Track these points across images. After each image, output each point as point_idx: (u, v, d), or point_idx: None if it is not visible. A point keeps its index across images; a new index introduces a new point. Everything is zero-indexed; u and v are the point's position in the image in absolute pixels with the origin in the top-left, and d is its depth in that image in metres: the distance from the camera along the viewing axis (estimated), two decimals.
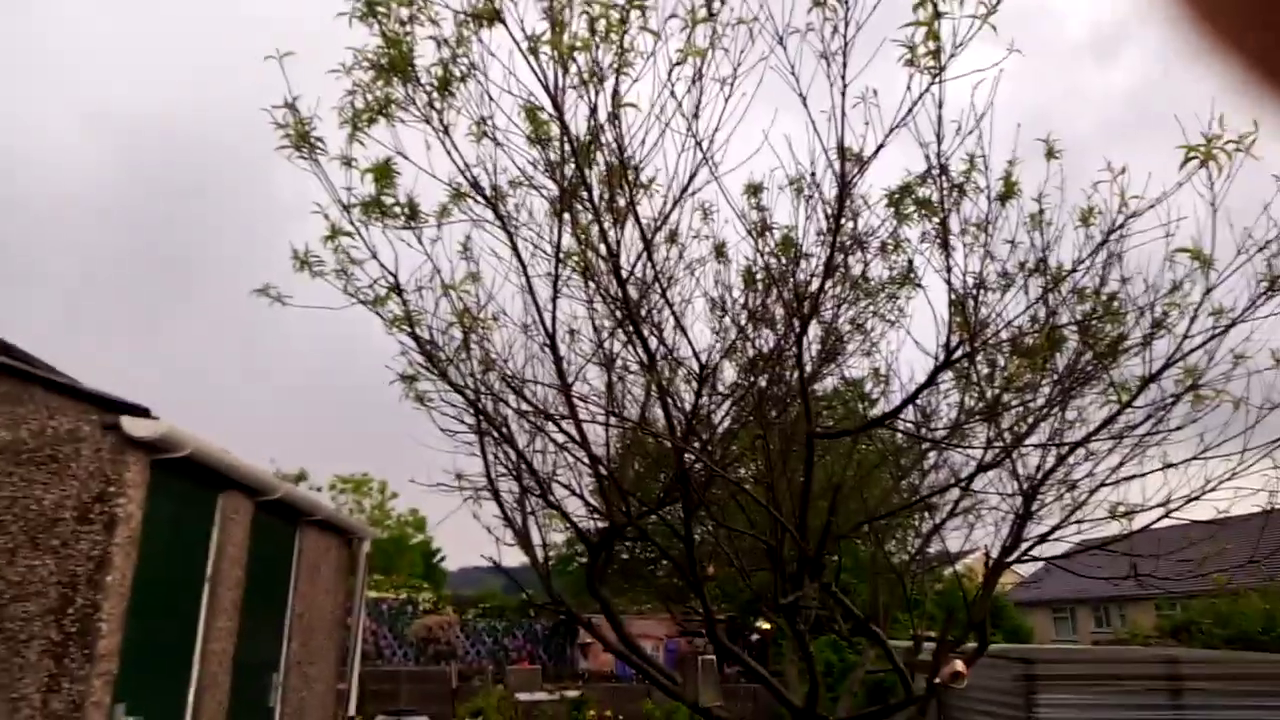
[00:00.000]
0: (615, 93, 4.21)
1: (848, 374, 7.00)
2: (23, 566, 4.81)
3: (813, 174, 4.64)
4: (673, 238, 5.56)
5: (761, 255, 5.83)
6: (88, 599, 4.72)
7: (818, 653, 11.23)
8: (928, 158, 4.35)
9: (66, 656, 4.64)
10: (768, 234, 5.91)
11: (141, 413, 4.97)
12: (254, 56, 4.59)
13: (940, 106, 3.92)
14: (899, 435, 6.43)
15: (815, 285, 4.99)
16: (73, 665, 4.63)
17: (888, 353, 6.60)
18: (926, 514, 6.45)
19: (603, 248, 4.62)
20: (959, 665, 5.79)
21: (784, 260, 5.75)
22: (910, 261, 6.42)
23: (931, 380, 4.45)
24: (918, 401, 5.72)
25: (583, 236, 4.80)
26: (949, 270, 4.41)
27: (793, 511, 4.64)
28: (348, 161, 4.61)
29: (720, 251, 6.23)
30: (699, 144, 4.00)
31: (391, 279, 5.23)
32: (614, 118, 4.17)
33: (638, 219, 4.40)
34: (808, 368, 4.74)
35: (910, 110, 3.86)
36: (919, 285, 6.49)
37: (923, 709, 6.02)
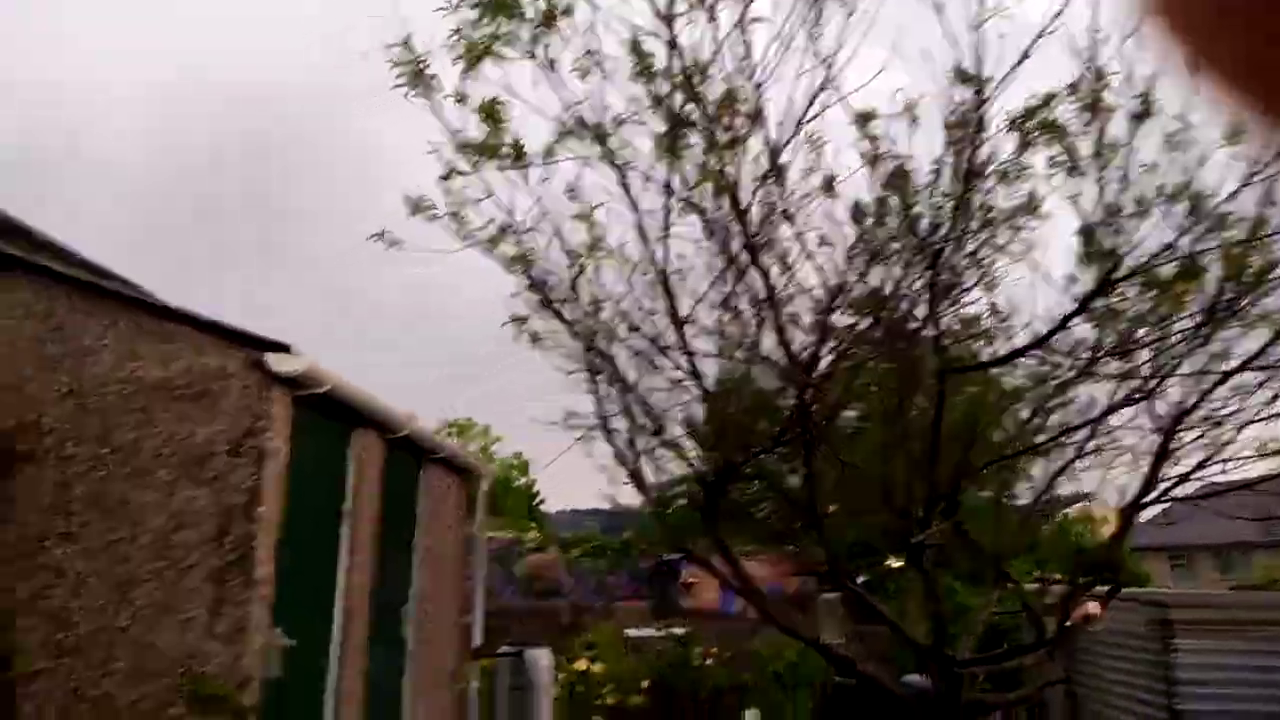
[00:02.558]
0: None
1: (966, 312, 6.72)
2: (182, 498, 5.07)
3: (951, 94, 4.37)
4: (779, 174, 5.37)
5: (882, 187, 5.61)
6: (243, 529, 4.97)
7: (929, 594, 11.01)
8: (1076, 71, 4.04)
9: (227, 582, 4.90)
10: (886, 163, 5.67)
11: (283, 349, 5.10)
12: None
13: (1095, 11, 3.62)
14: (1023, 375, 6.14)
15: (945, 216, 4.76)
16: (233, 590, 4.90)
17: (1011, 288, 6.30)
18: (1055, 453, 6.17)
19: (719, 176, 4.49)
20: (1092, 608, 5.58)
21: (906, 193, 5.51)
22: (1034, 190, 6.10)
23: (1082, 308, 4.19)
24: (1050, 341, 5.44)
25: (698, 165, 4.68)
26: (1100, 191, 4.11)
27: (921, 449, 4.48)
28: (460, 98, 4.58)
29: (830, 187, 6.01)
30: (823, 62, 3.80)
31: (507, 219, 5.23)
32: (740, 26, 3.99)
33: (765, 139, 4.23)
34: (936, 300, 4.53)
35: (1057, 14, 3.58)
36: (1044, 215, 6.16)
37: (1051, 653, 5.84)
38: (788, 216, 4.53)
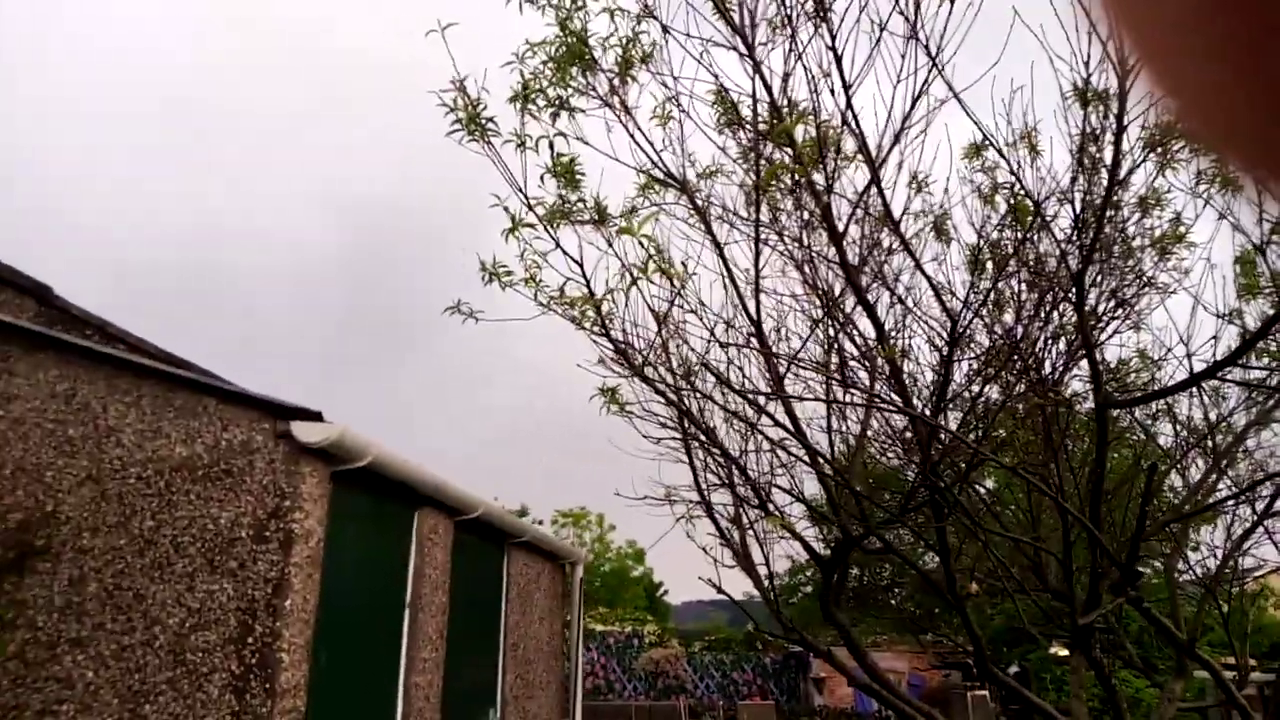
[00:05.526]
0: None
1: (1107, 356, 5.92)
2: (202, 592, 4.54)
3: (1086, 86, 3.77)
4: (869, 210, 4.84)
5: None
6: (267, 626, 4.38)
7: (1089, 687, 9.69)
8: None
9: (248, 691, 4.29)
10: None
11: (314, 417, 4.60)
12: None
13: None
14: (1195, 416, 5.23)
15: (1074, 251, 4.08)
16: (255, 701, 4.27)
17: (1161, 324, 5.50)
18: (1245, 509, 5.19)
19: (813, 207, 3.97)
20: None
21: (1031, 222, 4.88)
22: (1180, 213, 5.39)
23: (1263, 333, 3.41)
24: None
25: (793, 189, 4.19)
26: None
27: (1080, 509, 3.71)
28: (521, 143, 4.24)
29: (939, 229, 5.44)
30: (927, 49, 3.27)
31: (582, 278, 4.84)
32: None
33: (868, 156, 3.70)
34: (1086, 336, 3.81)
35: None
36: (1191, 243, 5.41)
37: None
38: (896, 224, 3.95)
